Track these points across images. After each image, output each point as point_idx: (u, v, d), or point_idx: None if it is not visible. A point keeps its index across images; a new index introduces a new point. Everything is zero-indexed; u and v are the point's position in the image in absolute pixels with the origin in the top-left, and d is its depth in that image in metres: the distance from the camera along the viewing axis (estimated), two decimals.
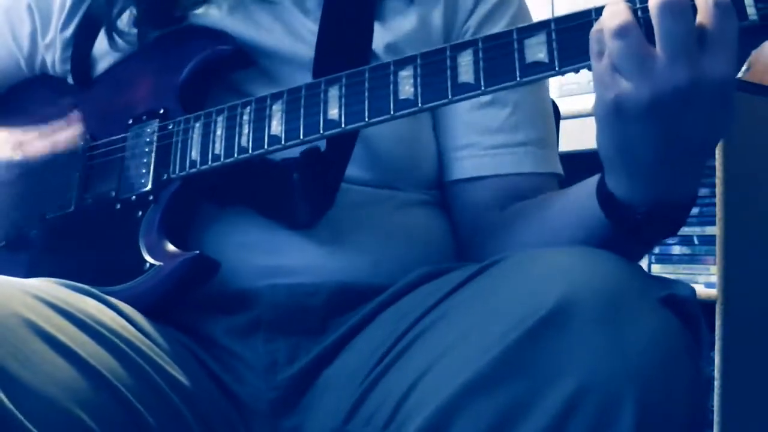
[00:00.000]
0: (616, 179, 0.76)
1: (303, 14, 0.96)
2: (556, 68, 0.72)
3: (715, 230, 1.79)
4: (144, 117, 0.95)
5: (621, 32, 0.67)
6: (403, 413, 0.71)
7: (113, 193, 0.94)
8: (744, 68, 2.19)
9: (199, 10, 0.96)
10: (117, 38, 0.98)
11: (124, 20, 0.98)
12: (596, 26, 0.70)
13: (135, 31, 0.98)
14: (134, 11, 0.97)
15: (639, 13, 0.69)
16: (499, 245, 0.92)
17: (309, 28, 0.95)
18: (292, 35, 0.95)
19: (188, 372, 0.81)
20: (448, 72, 0.76)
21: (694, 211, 1.92)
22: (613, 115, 0.70)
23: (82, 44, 1.02)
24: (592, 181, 0.81)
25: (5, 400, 0.64)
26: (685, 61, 0.66)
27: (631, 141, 0.71)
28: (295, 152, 0.88)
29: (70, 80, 1.04)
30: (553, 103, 1.12)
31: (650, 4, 0.67)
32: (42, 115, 1.05)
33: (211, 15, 0.96)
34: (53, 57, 1.05)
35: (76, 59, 1.02)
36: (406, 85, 0.78)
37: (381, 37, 0.95)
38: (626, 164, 0.74)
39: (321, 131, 0.82)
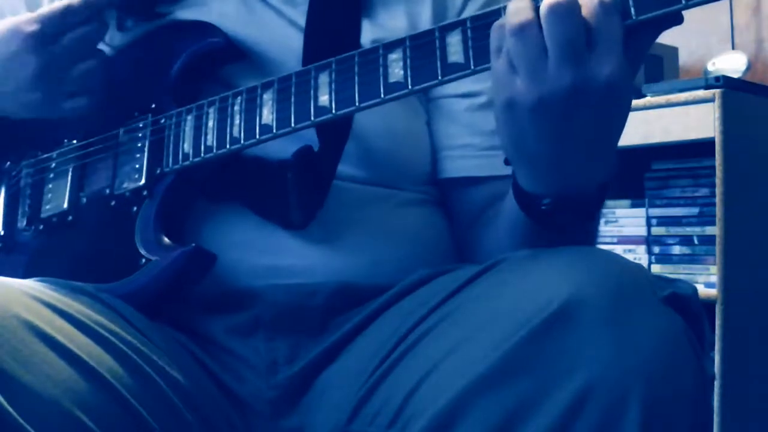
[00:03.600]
0: (520, 172, 0.78)
1: (291, 6, 0.96)
2: None
3: (715, 230, 1.79)
4: (136, 113, 0.95)
5: (519, 30, 0.69)
6: (408, 412, 0.71)
7: (107, 190, 0.94)
8: (744, 68, 2.20)
9: (186, 7, 0.96)
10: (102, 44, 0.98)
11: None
12: (498, 22, 0.71)
13: (118, 35, 0.98)
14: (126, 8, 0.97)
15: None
16: (483, 244, 0.92)
17: (297, 21, 0.95)
18: (281, 29, 0.95)
19: (187, 372, 0.81)
20: (438, 53, 0.76)
21: (694, 211, 1.94)
22: (506, 113, 0.72)
23: None
24: None
25: (3, 401, 0.63)
26: (572, 63, 0.68)
27: (525, 138, 0.73)
28: (289, 151, 0.88)
29: None
30: None
31: (541, 6, 0.69)
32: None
33: (199, 10, 0.96)
34: None
35: None
36: (396, 68, 0.78)
37: (369, 33, 0.95)
38: (522, 159, 0.76)
39: (312, 118, 0.82)
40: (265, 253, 0.88)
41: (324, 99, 0.81)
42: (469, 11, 0.98)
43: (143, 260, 0.86)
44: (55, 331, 0.71)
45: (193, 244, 0.85)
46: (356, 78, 0.80)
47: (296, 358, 0.86)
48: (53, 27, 0.90)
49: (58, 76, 0.92)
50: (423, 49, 0.77)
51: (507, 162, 0.79)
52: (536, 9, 0.69)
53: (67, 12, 0.90)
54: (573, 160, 0.74)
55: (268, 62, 0.94)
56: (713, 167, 1.78)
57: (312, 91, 0.82)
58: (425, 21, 0.97)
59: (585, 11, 0.68)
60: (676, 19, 0.69)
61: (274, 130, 0.84)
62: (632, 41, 0.69)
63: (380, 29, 0.95)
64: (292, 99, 0.83)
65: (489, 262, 0.76)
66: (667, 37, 1.33)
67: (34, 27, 0.90)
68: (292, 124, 0.83)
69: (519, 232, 0.83)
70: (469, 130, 0.97)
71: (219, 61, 0.94)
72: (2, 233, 1.02)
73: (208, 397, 0.82)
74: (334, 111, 0.81)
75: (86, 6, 0.91)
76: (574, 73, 0.68)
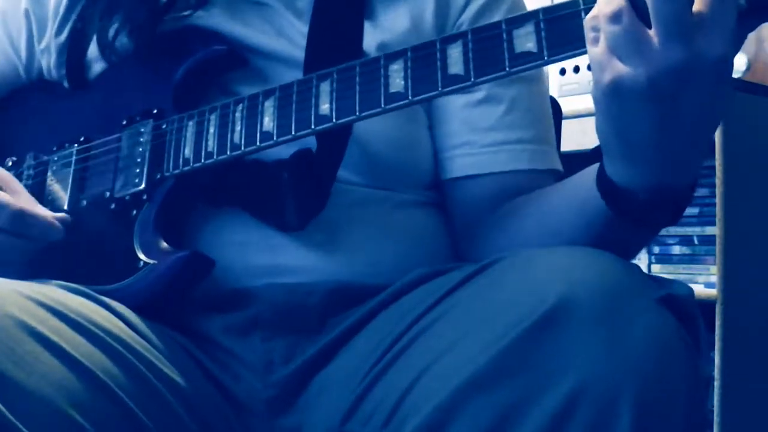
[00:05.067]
0: (616, 165, 0.75)
1: (294, 16, 0.96)
2: (545, 58, 0.72)
3: (715, 230, 1.78)
4: (138, 117, 0.95)
5: (615, 17, 0.67)
6: (402, 412, 0.71)
7: (108, 193, 0.94)
8: (744, 68, 2.19)
9: (191, 14, 0.96)
10: (107, 50, 0.98)
11: (112, 30, 0.98)
12: (591, 13, 0.69)
13: (124, 41, 0.97)
14: (129, 21, 0.97)
15: None
16: (494, 244, 0.92)
17: (300, 29, 0.95)
18: (284, 36, 0.95)
19: (184, 371, 0.81)
20: (438, 64, 0.76)
21: (694, 211, 1.94)
22: (610, 97, 0.69)
23: (76, 49, 1.02)
24: (590, 171, 0.81)
25: None
26: (679, 41, 0.65)
27: (629, 124, 0.70)
28: (287, 154, 0.88)
29: (65, 85, 1.04)
30: (555, 102, 1.12)
31: None
32: (38, 120, 1.05)
33: (203, 17, 0.96)
34: (48, 62, 1.05)
35: (70, 64, 1.02)
36: (397, 78, 0.78)
37: (373, 36, 0.95)
38: (625, 149, 0.73)
39: (312, 126, 0.82)
40: (263, 253, 0.88)
41: (325, 108, 0.82)
42: (473, 7, 0.98)
43: (141, 263, 0.87)
44: (49, 331, 0.71)
45: (191, 249, 0.86)
46: (357, 87, 0.80)
47: (293, 358, 0.86)
48: None
49: (6, 258, 0.89)
50: (424, 60, 0.77)
51: (597, 156, 0.77)
52: None
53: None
54: (676, 145, 0.71)
55: (270, 71, 0.94)
56: (713, 167, 1.77)
57: (313, 99, 0.82)
58: (428, 20, 0.97)
59: None
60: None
61: (275, 138, 0.84)
62: (739, 25, 0.67)
63: (383, 32, 0.95)
64: (293, 107, 0.84)
65: (483, 262, 0.76)
66: None
67: None
68: (293, 132, 0.83)
69: (597, 233, 0.80)
70: (468, 127, 0.97)
71: (221, 68, 0.94)
72: None
73: (204, 397, 0.82)
74: (334, 120, 0.81)
75: (17, 218, 0.87)
76: (683, 50, 0.65)
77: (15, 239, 0.88)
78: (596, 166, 0.79)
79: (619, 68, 0.68)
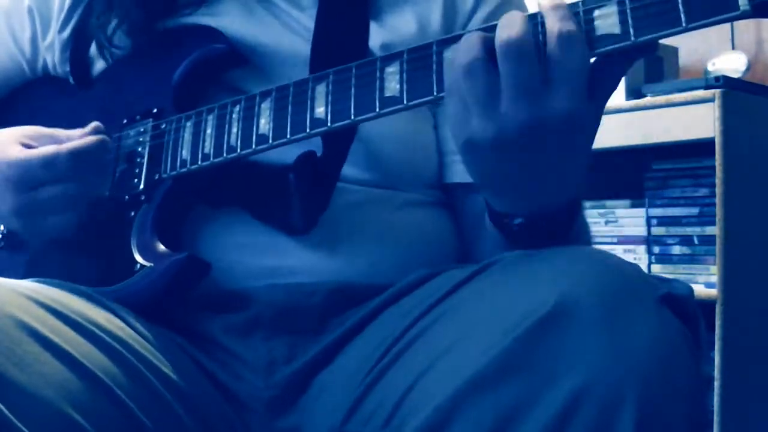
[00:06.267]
0: (488, 197, 0.79)
1: (298, 11, 0.96)
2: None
3: (715, 230, 1.78)
4: (138, 117, 0.95)
5: (468, 71, 0.69)
6: (403, 413, 0.71)
7: (106, 194, 0.94)
8: (744, 68, 2.20)
9: (194, 11, 0.96)
10: (104, 50, 0.98)
11: (110, 29, 0.98)
12: (448, 59, 0.72)
13: (123, 39, 0.97)
14: (126, 20, 0.97)
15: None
16: (486, 247, 0.92)
17: (305, 24, 0.95)
18: (289, 32, 0.95)
19: (184, 372, 0.81)
20: (434, 67, 0.75)
21: (694, 211, 1.94)
22: (467, 151, 0.73)
23: (79, 45, 1.02)
24: None
25: None
26: (527, 101, 0.68)
27: (489, 171, 0.74)
28: (291, 156, 0.88)
29: (71, 80, 1.04)
30: None
31: (496, 44, 0.68)
32: (44, 117, 1.05)
33: (206, 15, 0.96)
34: (53, 58, 1.05)
35: (74, 60, 1.02)
36: (392, 81, 0.77)
37: (378, 36, 0.95)
38: (489, 189, 0.78)
39: (307, 130, 0.82)
40: (264, 254, 0.88)
41: (320, 111, 0.81)
42: (480, 15, 0.98)
43: (138, 266, 0.87)
44: (49, 331, 0.71)
45: (186, 253, 0.85)
46: (353, 90, 0.80)
47: (294, 358, 0.86)
48: (30, 177, 0.88)
49: (35, 220, 0.90)
50: (420, 62, 0.77)
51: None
52: (486, 44, 0.69)
53: (49, 163, 0.87)
54: (538, 186, 0.75)
55: (274, 67, 0.94)
56: (713, 167, 1.78)
57: (309, 102, 0.82)
58: (435, 24, 0.97)
59: (548, 42, 0.68)
60: (647, 50, 0.69)
61: (270, 141, 0.84)
62: (601, 71, 0.69)
63: (389, 32, 0.95)
64: (289, 109, 0.83)
65: (484, 262, 0.76)
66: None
67: (12, 171, 0.88)
68: (288, 135, 0.83)
69: (498, 245, 0.83)
70: None
71: (222, 67, 0.94)
72: (5, 231, 1.02)
73: (205, 397, 0.82)
74: (329, 123, 0.81)
75: (72, 158, 0.88)
76: (529, 111, 0.68)
77: (72, 186, 0.88)
78: None
79: (471, 125, 0.70)
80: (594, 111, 0.71)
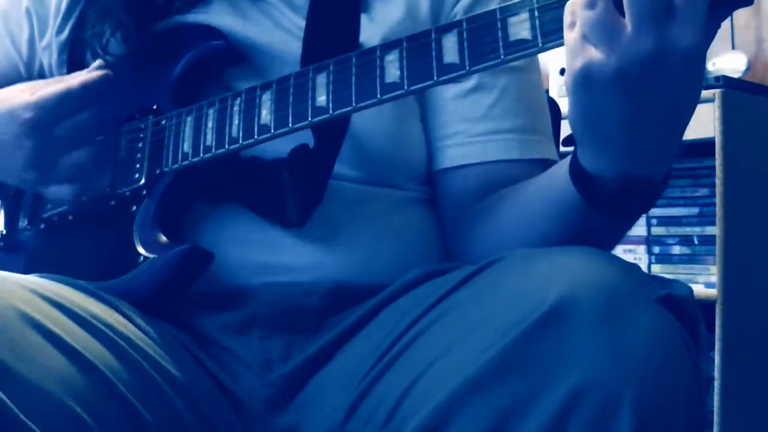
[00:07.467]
0: (587, 153, 0.75)
1: (292, 10, 0.96)
2: (539, 45, 0.73)
3: (715, 230, 1.78)
4: (137, 114, 0.96)
5: (591, 3, 0.67)
6: (402, 412, 0.71)
7: (108, 189, 0.94)
8: (744, 68, 2.19)
9: (189, 10, 0.97)
10: (102, 58, 0.98)
11: (104, 37, 0.98)
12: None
13: (119, 48, 0.98)
14: (119, 29, 0.97)
15: None
16: (480, 234, 0.92)
17: (298, 24, 0.95)
18: (282, 31, 0.95)
19: (184, 367, 0.81)
20: (433, 53, 0.76)
21: (694, 211, 1.94)
22: (580, 84, 0.70)
23: (77, 48, 1.02)
24: (564, 162, 0.81)
25: (0, 393, 0.64)
26: (651, 31, 0.66)
27: (599, 111, 0.70)
28: (285, 150, 0.88)
29: None
30: (555, 102, 1.11)
31: None
32: None
33: (201, 14, 0.96)
34: (50, 60, 1.05)
35: (71, 62, 1.02)
36: (392, 68, 0.78)
37: (369, 29, 0.95)
38: (595, 136, 0.73)
39: (309, 118, 0.83)
40: (261, 251, 0.89)
41: (321, 99, 0.82)
42: (465, 0, 0.98)
43: (141, 258, 0.87)
44: (52, 323, 0.71)
45: (190, 243, 0.86)
46: (353, 78, 0.80)
47: (291, 357, 0.86)
48: (49, 115, 0.92)
49: (52, 161, 0.93)
50: (419, 49, 0.77)
51: (569, 143, 0.77)
52: None
53: (64, 98, 0.92)
54: (646, 135, 0.72)
55: (267, 66, 0.94)
56: (713, 167, 1.77)
57: (310, 92, 0.83)
58: (424, 11, 0.96)
59: None
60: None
61: (272, 130, 0.85)
62: (710, 14, 0.67)
63: (379, 24, 0.95)
64: (290, 99, 0.84)
65: (483, 261, 0.76)
66: None
67: (30, 114, 0.91)
68: (290, 125, 0.84)
69: (570, 222, 0.80)
70: (458, 117, 0.96)
71: (219, 64, 0.94)
72: (4, 232, 1.03)
73: (204, 393, 0.82)
74: (331, 111, 0.81)
75: (84, 90, 0.92)
76: (654, 40, 0.66)
77: (86, 115, 0.93)
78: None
79: (590, 55, 0.68)
80: (704, 56, 0.69)
